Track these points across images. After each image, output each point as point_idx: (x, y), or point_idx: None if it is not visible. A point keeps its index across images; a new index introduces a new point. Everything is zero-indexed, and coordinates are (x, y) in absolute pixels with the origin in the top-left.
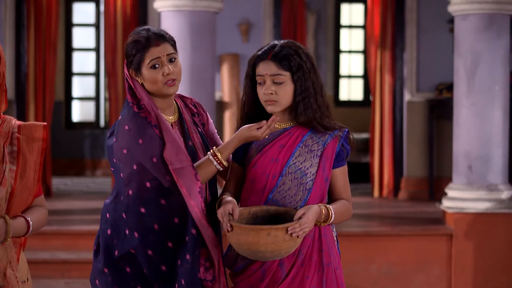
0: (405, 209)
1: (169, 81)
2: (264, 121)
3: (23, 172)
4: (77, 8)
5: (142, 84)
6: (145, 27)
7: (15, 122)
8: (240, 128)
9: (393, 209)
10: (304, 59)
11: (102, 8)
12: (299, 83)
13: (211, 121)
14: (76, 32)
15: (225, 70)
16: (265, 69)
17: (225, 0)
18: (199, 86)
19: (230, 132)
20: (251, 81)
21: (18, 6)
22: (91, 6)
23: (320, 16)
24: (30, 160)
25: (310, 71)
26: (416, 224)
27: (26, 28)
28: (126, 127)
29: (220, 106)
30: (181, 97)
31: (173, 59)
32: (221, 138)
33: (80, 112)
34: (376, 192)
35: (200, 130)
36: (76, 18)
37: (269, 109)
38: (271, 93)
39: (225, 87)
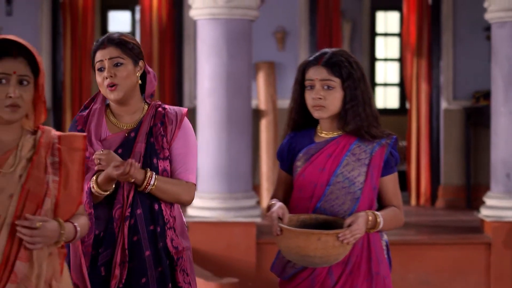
0: (442, 218)
1: (109, 85)
2: (128, 161)
3: (66, 182)
4: (112, 16)
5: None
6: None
7: (54, 132)
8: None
9: (430, 217)
10: (355, 68)
11: (137, 16)
12: (348, 90)
13: (180, 136)
14: None
15: (261, 78)
16: (315, 73)
17: (261, 8)
18: (235, 94)
19: (267, 141)
20: (300, 87)
21: (54, 14)
22: (127, 15)
23: (355, 24)
24: (72, 170)
25: (360, 80)
26: (454, 233)
27: (63, 36)
28: None
29: (256, 114)
30: (165, 107)
31: (119, 64)
32: (257, 146)
33: None
34: (413, 200)
35: (152, 140)
36: (112, 26)
37: (316, 114)
38: (320, 98)
39: (261, 95)
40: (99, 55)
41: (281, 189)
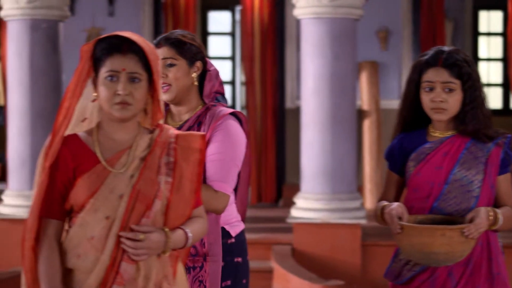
0: None
1: (162, 86)
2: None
3: (179, 184)
4: (212, 16)
5: None
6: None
7: (172, 131)
8: None
9: None
10: (472, 68)
11: (237, 16)
12: (469, 92)
13: (214, 139)
14: (212, 41)
15: (364, 78)
16: (436, 75)
17: (363, 8)
18: (340, 94)
19: (369, 141)
20: (415, 87)
21: (156, 14)
22: (227, 15)
23: (457, 24)
24: (187, 171)
25: (478, 80)
26: None
27: None
28: None
29: (359, 115)
30: (216, 107)
31: (172, 64)
32: (360, 147)
33: None
34: None
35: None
36: (212, 26)
37: (435, 117)
38: (442, 101)
39: (364, 95)
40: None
41: (391, 190)
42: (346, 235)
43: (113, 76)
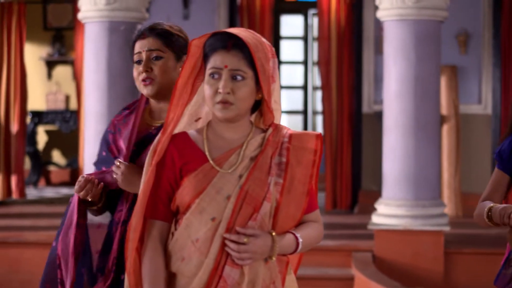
0: None
1: (144, 79)
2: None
3: (291, 185)
4: (285, 20)
5: None
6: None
7: (287, 131)
8: None
9: None
10: None
11: (310, 21)
12: None
13: None
14: (284, 45)
15: (443, 82)
16: None
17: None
18: (423, 98)
19: (448, 147)
20: None
21: (231, 17)
22: (300, 19)
23: None
24: (298, 173)
25: None
26: None
27: None
28: None
29: None
30: None
31: (158, 57)
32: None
33: (286, 125)
34: None
35: None
36: (284, 30)
37: None
38: None
39: (443, 99)
40: (137, 46)
41: (499, 190)
42: (428, 242)
43: (215, 73)
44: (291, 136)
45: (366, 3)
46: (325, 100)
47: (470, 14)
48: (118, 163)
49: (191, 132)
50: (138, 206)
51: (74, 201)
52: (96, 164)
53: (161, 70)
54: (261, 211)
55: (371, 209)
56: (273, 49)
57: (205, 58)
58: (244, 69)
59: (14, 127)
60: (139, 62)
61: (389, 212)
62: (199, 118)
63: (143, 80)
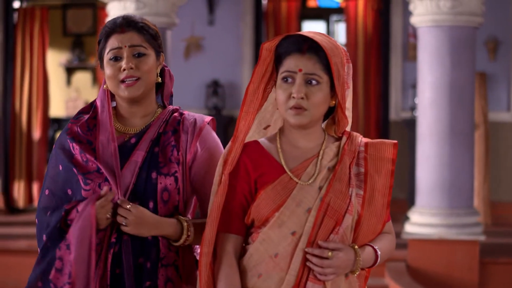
0: None
1: (126, 79)
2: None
3: (371, 197)
4: (307, 27)
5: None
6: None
7: (361, 139)
8: None
9: None
10: None
11: (332, 27)
12: None
13: (202, 153)
14: None
15: None
16: None
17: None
18: (458, 105)
19: (477, 155)
20: None
21: (257, 23)
22: (322, 25)
23: None
24: (378, 184)
25: None
26: None
27: None
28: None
29: None
30: (183, 112)
31: (141, 54)
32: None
33: None
34: None
35: (156, 150)
36: None
37: None
38: None
39: None
40: (115, 41)
41: None
42: (463, 252)
43: (289, 77)
44: (367, 144)
45: (394, 9)
46: (352, 107)
47: (499, 20)
48: (128, 206)
49: (262, 140)
50: (211, 219)
51: (90, 217)
52: (44, 210)
53: (145, 68)
54: (343, 224)
55: (398, 217)
56: (348, 54)
57: (278, 61)
58: (319, 73)
59: (36, 134)
60: (116, 59)
61: (423, 221)
62: (268, 126)
63: (123, 80)
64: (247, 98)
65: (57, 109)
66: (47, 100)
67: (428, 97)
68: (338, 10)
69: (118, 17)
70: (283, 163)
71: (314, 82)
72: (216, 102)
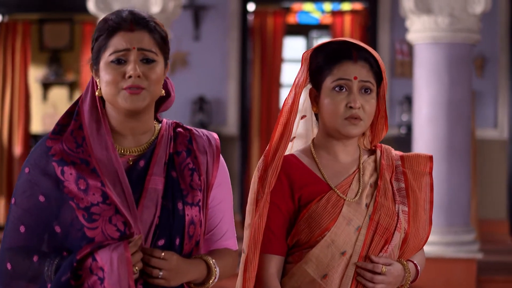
0: None
1: (132, 87)
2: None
3: (415, 213)
4: (287, 43)
5: (100, 89)
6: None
7: (395, 152)
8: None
9: None
10: None
11: (311, 43)
12: None
13: (219, 178)
14: (286, 68)
15: None
16: None
17: None
18: (457, 122)
19: None
20: None
21: (243, 39)
22: (301, 41)
23: None
24: (420, 199)
25: None
26: None
27: (251, 62)
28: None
29: None
30: (188, 127)
31: (150, 60)
32: None
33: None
34: None
35: (174, 175)
36: (287, 53)
37: None
38: None
39: None
40: (121, 41)
41: None
42: (461, 270)
43: (343, 86)
44: (402, 158)
45: (381, 26)
46: None
47: (486, 38)
48: (163, 254)
49: (299, 154)
50: (252, 242)
51: (127, 265)
52: (20, 251)
53: (154, 77)
54: (392, 242)
55: None
56: None
57: (320, 69)
58: (372, 81)
59: (17, 150)
60: (119, 62)
61: None
62: (293, 138)
63: (129, 88)
64: (284, 108)
65: (34, 125)
66: (28, 116)
67: (425, 113)
68: (318, 27)
69: (122, 10)
70: (327, 179)
71: (368, 91)
72: (202, 118)
